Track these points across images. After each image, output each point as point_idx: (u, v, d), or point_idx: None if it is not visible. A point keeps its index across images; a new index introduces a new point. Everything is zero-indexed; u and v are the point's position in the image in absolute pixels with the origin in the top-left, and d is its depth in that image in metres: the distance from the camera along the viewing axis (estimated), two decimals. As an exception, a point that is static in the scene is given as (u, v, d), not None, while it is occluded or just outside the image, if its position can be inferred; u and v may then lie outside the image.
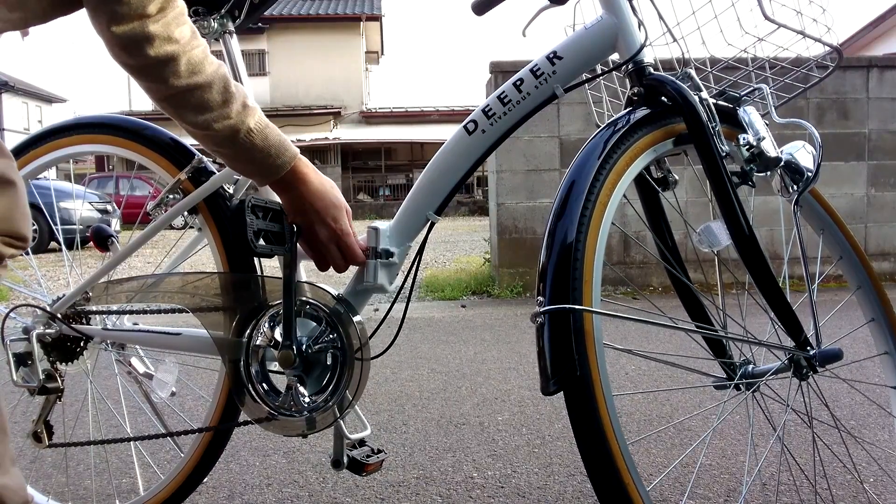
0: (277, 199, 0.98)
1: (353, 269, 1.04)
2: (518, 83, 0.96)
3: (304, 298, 1.01)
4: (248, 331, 1.02)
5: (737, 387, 1.04)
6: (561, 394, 0.80)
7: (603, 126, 0.92)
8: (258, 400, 1.01)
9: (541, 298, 0.81)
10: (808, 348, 0.95)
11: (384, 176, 21.63)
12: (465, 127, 0.98)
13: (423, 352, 2.84)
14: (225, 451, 1.71)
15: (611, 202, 0.86)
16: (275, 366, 1.01)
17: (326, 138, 20.23)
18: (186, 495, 1.27)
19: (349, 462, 1.02)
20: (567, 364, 0.78)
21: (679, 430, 1.82)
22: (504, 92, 0.96)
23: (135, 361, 1.31)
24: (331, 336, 0.99)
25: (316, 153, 20.34)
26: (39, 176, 1.37)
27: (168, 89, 0.79)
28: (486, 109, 0.97)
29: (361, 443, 1.06)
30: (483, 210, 18.26)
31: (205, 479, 1.54)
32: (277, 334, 1.00)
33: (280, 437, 1.80)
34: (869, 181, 4.63)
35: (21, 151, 1.32)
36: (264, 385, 1.01)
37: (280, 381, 1.03)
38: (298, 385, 0.99)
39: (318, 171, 0.95)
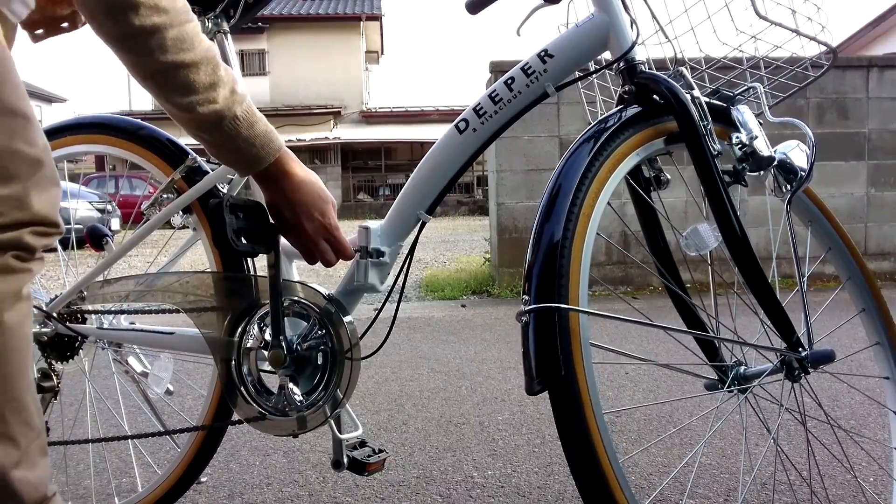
0: (259, 196, 0.97)
1: (345, 267, 1.03)
2: (509, 82, 0.95)
3: (294, 298, 1.00)
4: (239, 330, 1.01)
5: (729, 389, 1.03)
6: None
7: (593, 123, 0.91)
8: (248, 399, 1.00)
9: (526, 297, 0.80)
10: (800, 349, 0.94)
11: (384, 176, 21.64)
12: (456, 126, 0.97)
13: (423, 352, 2.84)
14: (225, 451, 1.72)
15: (599, 202, 0.85)
16: (266, 365, 1.00)
17: (326, 138, 20.23)
18: (184, 491, 1.28)
19: (350, 462, 1.01)
20: (552, 364, 0.77)
21: (679, 430, 1.82)
22: (495, 90, 0.95)
23: (132, 360, 1.31)
24: (321, 336, 0.99)
25: (316, 153, 20.35)
26: None
27: (153, 64, 0.75)
28: (478, 108, 0.96)
29: (363, 443, 1.05)
30: (483, 210, 18.26)
31: (204, 480, 1.55)
32: (268, 334, 1.00)
33: (280, 437, 1.80)
34: (869, 181, 4.63)
35: None
36: (255, 385, 1.01)
37: (270, 381, 1.03)
38: (290, 385, 0.98)
39: (302, 164, 0.93)
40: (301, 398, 0.98)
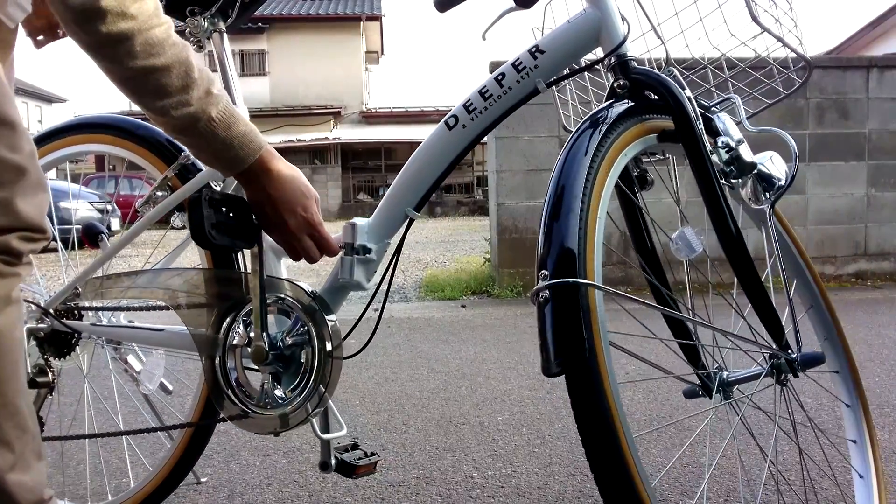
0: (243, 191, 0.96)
1: (331, 264, 1.02)
2: (499, 78, 0.94)
3: (279, 295, 1.00)
4: (224, 327, 1.01)
5: (714, 395, 1.01)
6: (562, 390, 0.78)
7: (591, 114, 0.90)
8: (231, 396, 1.00)
9: (545, 272, 0.76)
10: (789, 351, 0.93)
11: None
12: (445, 122, 0.96)
13: (423, 352, 2.84)
14: (225, 451, 1.72)
15: (606, 187, 0.83)
16: (250, 363, 1.00)
17: (326, 138, 20.23)
18: (173, 487, 1.30)
19: (338, 464, 1.00)
20: (575, 342, 0.72)
21: (679, 430, 1.82)
22: (485, 87, 0.95)
23: (131, 359, 1.32)
24: (304, 333, 0.98)
25: (316, 153, 20.35)
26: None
27: (124, 70, 0.75)
28: (467, 104, 0.95)
29: (355, 446, 1.04)
30: (483, 210, 18.26)
31: (204, 480, 1.55)
32: (252, 331, 0.99)
33: (280, 437, 1.80)
34: (869, 181, 4.63)
35: None
36: (238, 382, 1.00)
37: (254, 379, 1.02)
38: (272, 382, 0.98)
39: (284, 160, 0.91)
40: (282, 396, 0.97)
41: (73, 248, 1.47)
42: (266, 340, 0.96)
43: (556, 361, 0.73)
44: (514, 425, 1.89)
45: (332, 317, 0.98)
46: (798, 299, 1.14)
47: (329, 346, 0.96)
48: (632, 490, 0.73)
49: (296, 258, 0.96)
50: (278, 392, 0.98)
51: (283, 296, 1.00)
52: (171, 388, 1.36)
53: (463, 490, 1.48)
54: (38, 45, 0.98)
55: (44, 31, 0.96)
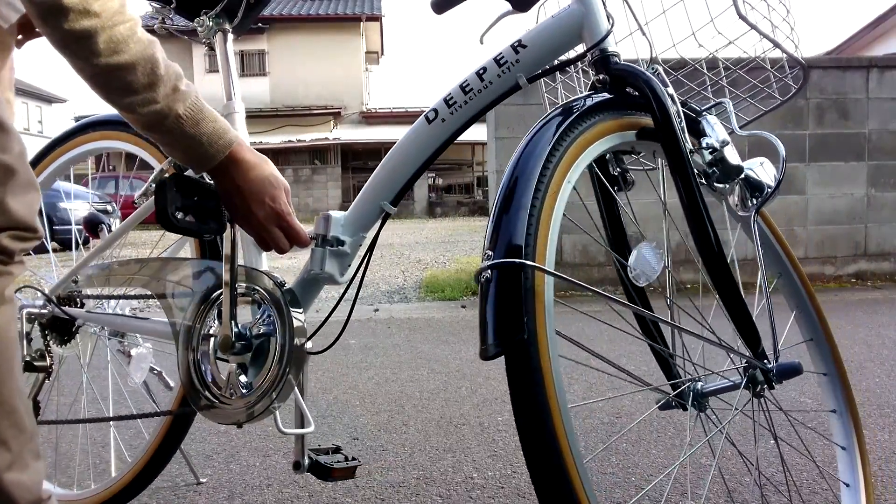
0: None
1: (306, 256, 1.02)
2: (481, 72, 0.93)
3: (249, 286, 1.00)
4: (197, 316, 1.01)
5: (685, 407, 0.99)
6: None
7: (564, 102, 0.89)
8: (199, 386, 1.00)
9: (489, 253, 0.75)
10: (766, 361, 0.91)
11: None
12: (425, 116, 0.95)
13: (423, 352, 2.84)
14: (225, 452, 1.72)
15: (566, 179, 0.82)
16: (219, 353, 0.99)
17: (326, 138, 20.23)
18: (154, 475, 1.34)
19: (311, 466, 0.99)
20: (514, 324, 0.70)
21: (679, 431, 1.82)
22: (466, 80, 0.94)
23: (134, 352, 1.33)
24: (270, 324, 0.97)
25: (316, 153, 20.35)
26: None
27: (91, 68, 0.75)
28: (448, 98, 0.94)
29: (337, 449, 1.04)
30: (483, 210, 18.26)
31: (204, 480, 1.55)
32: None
33: (280, 438, 1.80)
34: (869, 181, 4.63)
35: (46, 153, 1.44)
36: (207, 372, 1.00)
37: (222, 370, 1.02)
38: (238, 373, 0.97)
39: (253, 150, 0.91)
40: (246, 385, 0.97)
41: (86, 244, 1.52)
42: (234, 330, 0.96)
43: (493, 342, 0.71)
44: (514, 426, 1.89)
45: (299, 310, 0.97)
46: (783, 302, 1.12)
47: (293, 338, 0.95)
48: (567, 488, 0.69)
49: (266, 248, 0.95)
50: (243, 381, 0.97)
51: (253, 286, 1.00)
52: (172, 384, 1.37)
53: (463, 491, 1.48)
54: (18, 44, 0.98)
55: (20, 30, 0.97)
